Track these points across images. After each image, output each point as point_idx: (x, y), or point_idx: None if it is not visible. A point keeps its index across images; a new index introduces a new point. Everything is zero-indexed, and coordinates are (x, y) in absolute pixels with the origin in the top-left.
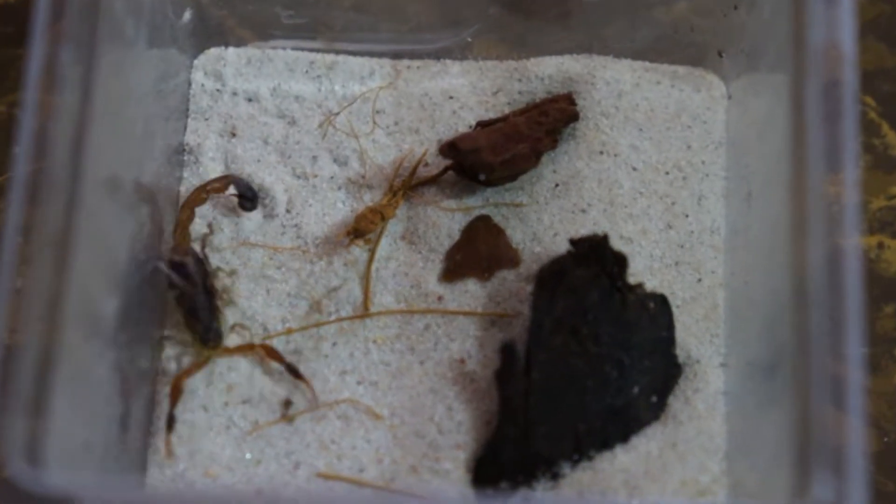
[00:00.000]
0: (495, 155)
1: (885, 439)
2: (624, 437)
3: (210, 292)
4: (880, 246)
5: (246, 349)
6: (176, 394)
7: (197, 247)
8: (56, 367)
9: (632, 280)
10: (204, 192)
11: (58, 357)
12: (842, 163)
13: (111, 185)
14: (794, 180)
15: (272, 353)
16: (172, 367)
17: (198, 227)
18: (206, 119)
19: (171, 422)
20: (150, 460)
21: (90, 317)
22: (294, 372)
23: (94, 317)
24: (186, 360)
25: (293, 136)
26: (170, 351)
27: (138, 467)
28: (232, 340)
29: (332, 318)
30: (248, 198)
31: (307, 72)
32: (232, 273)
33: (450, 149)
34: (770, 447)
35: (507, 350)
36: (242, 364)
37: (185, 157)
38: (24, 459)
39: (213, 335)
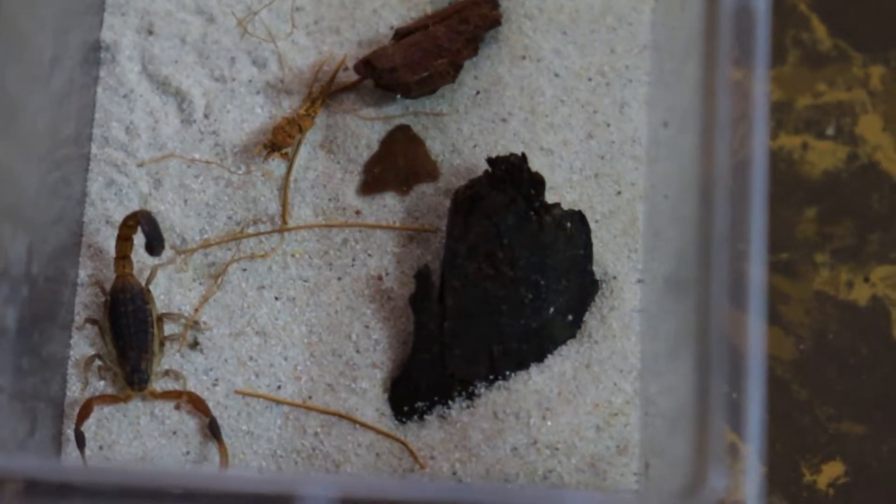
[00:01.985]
0: (412, 73)
1: (801, 346)
2: (539, 357)
3: (145, 332)
4: (804, 146)
5: (172, 395)
6: (84, 414)
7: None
8: None
9: (550, 195)
10: (126, 228)
11: None
12: (753, 56)
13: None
14: (704, 77)
15: (198, 404)
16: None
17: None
18: (123, 14)
19: (80, 439)
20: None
21: None
22: (214, 429)
23: None
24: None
25: (211, 34)
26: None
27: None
28: (162, 384)
29: (251, 229)
30: (155, 243)
31: None
32: (195, 326)
33: (365, 67)
34: (677, 363)
35: (421, 276)
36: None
37: (102, 55)
38: None
39: (137, 378)
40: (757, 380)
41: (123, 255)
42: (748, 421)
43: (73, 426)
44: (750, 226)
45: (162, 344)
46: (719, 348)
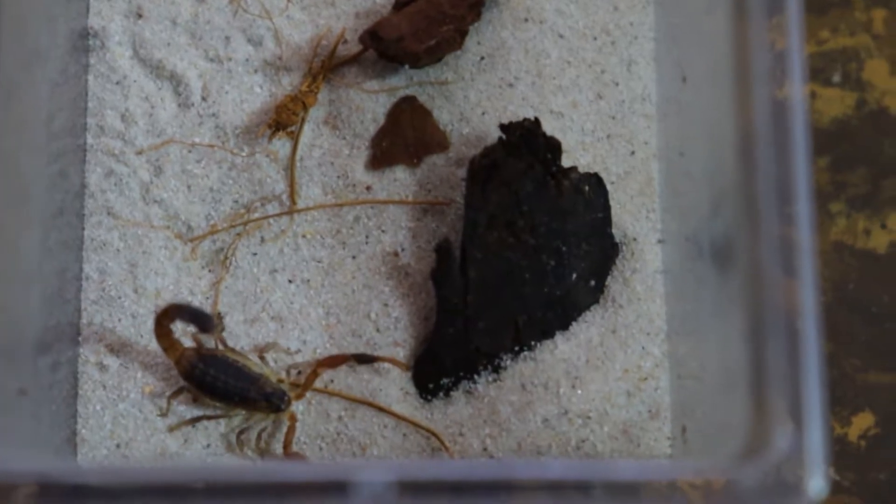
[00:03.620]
0: (419, 42)
1: (823, 299)
2: (564, 325)
3: (240, 370)
4: (812, 95)
5: (312, 379)
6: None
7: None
8: None
9: (564, 158)
10: (160, 327)
11: None
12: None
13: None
14: (732, 30)
15: (333, 361)
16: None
17: None
18: None
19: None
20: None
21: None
22: (365, 358)
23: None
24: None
25: (203, 14)
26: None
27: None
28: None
29: (258, 213)
30: (202, 320)
31: None
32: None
33: (371, 38)
34: (714, 324)
35: (441, 250)
36: None
37: (91, 42)
38: None
39: (278, 398)
40: (813, 344)
41: (170, 345)
42: (809, 383)
43: (87, 425)
44: (797, 187)
45: (262, 358)
46: (774, 313)
